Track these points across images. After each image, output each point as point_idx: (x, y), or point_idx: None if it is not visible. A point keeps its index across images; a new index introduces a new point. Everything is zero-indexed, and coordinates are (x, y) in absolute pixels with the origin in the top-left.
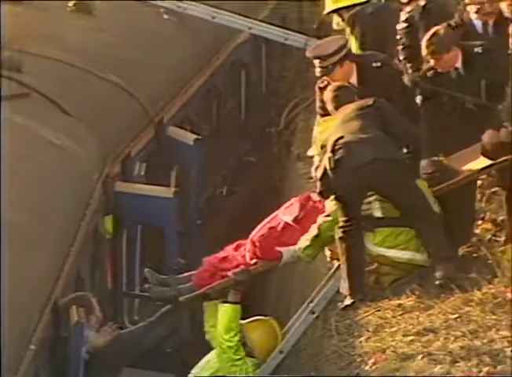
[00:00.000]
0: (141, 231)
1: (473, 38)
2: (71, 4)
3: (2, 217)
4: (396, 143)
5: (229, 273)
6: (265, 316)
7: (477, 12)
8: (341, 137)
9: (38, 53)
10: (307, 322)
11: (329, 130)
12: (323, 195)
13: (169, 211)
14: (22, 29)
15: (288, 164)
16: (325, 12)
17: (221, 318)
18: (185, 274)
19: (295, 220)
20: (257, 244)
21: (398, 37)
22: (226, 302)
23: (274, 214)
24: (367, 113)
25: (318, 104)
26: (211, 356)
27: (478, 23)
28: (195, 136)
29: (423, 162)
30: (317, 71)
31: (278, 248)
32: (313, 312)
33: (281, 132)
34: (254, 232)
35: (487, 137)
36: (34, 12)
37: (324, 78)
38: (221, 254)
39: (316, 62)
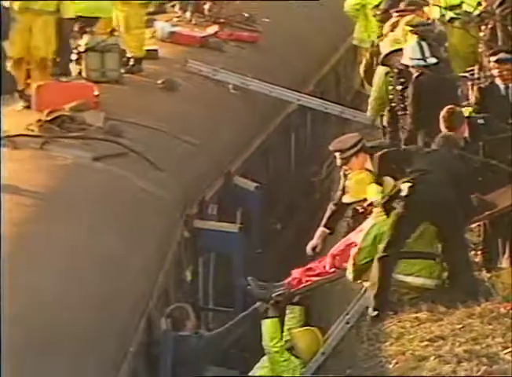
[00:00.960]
0: (214, 257)
1: (497, 98)
2: (159, 82)
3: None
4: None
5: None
6: (311, 325)
7: (500, 77)
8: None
9: (133, 122)
10: (343, 330)
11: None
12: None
13: (235, 242)
14: (122, 103)
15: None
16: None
17: (265, 330)
18: (280, 282)
19: None
20: (336, 257)
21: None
22: (267, 318)
23: (349, 235)
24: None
25: (341, 184)
26: (262, 360)
27: (501, 86)
28: (255, 184)
29: None
30: (338, 161)
31: None
32: (348, 323)
33: (322, 181)
34: (333, 248)
35: None
36: (131, 89)
37: (344, 166)
38: (307, 266)
39: (337, 154)
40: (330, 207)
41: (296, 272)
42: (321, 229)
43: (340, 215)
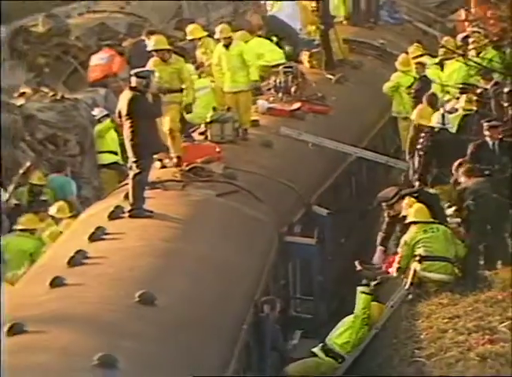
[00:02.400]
0: (299, 262)
1: (486, 151)
2: (261, 142)
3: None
4: None
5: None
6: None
7: (489, 136)
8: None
9: (244, 169)
10: (389, 312)
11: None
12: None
13: (313, 252)
14: (236, 157)
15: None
16: None
17: (362, 300)
18: (379, 265)
19: None
20: None
21: None
22: (365, 293)
23: None
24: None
25: (386, 219)
26: (346, 319)
27: (490, 142)
28: (327, 210)
29: None
30: (384, 207)
31: None
32: (393, 306)
33: (374, 209)
34: None
35: None
36: (242, 147)
37: (389, 211)
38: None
39: (383, 204)
40: (380, 235)
41: (390, 260)
42: (379, 248)
43: (389, 238)
